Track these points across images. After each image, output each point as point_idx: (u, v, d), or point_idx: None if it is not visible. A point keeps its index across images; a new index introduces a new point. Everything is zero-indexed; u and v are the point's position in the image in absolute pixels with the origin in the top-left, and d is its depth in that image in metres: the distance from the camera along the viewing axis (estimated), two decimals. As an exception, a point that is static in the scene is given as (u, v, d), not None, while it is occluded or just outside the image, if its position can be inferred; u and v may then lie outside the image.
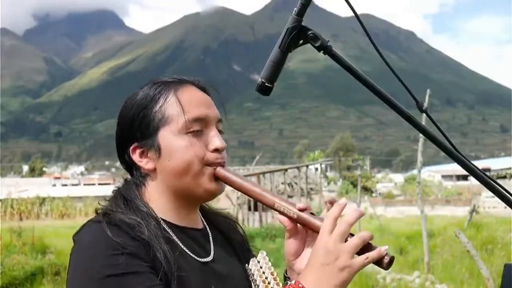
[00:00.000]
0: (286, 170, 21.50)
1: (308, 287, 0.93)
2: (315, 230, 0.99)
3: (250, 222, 16.95)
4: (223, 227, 1.20)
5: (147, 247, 0.95)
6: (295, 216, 1.01)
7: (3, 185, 28.68)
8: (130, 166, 1.09)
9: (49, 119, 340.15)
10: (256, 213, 17.15)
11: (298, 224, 1.04)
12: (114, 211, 1.00)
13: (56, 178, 61.15)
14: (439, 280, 7.41)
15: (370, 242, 0.95)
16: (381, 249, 0.93)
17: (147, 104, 1.05)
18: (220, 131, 1.10)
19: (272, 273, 1.13)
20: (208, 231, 1.15)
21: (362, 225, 12.26)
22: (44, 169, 79.43)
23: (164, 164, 1.04)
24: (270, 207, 1.03)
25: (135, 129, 1.05)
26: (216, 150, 1.06)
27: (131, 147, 1.06)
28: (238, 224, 1.26)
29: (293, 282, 0.96)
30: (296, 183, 22.30)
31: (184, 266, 0.99)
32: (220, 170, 1.06)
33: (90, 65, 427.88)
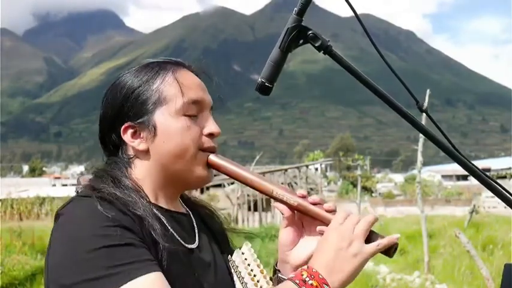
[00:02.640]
0: (286, 170, 21.48)
1: (322, 272, 0.91)
2: (318, 218, 0.98)
3: (250, 222, 16.93)
4: (204, 215, 1.18)
5: (141, 223, 0.92)
6: (296, 203, 0.99)
7: (3, 185, 28.64)
8: (116, 147, 1.04)
9: (49, 119, 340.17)
10: (256, 213, 17.13)
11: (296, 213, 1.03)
12: (104, 188, 0.95)
13: (56, 178, 61.15)
14: (439, 280, 7.40)
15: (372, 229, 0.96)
16: (392, 237, 0.94)
17: (142, 83, 1.02)
18: None
19: (258, 265, 1.10)
20: (192, 217, 1.12)
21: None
22: (44, 169, 79.35)
23: (159, 145, 1.01)
24: (269, 195, 1.01)
25: (128, 108, 1.01)
26: (211, 134, 1.04)
27: (123, 127, 1.01)
28: (217, 214, 1.22)
29: (305, 267, 0.93)
30: (296, 183, 22.25)
31: (172, 249, 0.96)
32: (213, 158, 1.04)
33: (90, 65, 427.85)
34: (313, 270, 0.92)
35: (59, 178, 62.72)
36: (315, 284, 0.90)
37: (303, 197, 1.00)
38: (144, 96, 1.01)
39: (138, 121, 1.01)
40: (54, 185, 44.59)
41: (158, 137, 1.00)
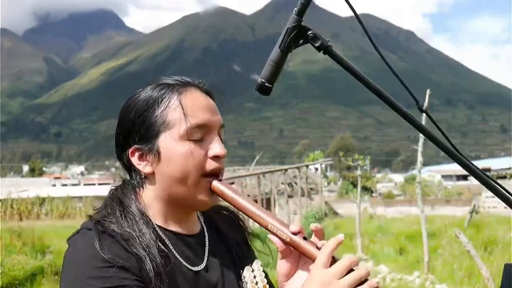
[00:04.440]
0: (286, 170, 21.48)
1: None
2: (307, 256, 0.98)
3: (250, 222, 16.90)
4: (222, 225, 1.17)
5: (139, 260, 0.94)
6: (288, 239, 0.99)
7: (3, 185, 28.64)
8: (129, 167, 1.06)
9: (49, 119, 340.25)
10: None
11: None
12: (108, 220, 0.98)
13: (56, 178, 61.16)
14: (439, 280, 7.40)
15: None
16: (372, 282, 0.92)
17: (149, 107, 1.02)
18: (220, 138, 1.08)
19: (264, 286, 1.11)
20: (205, 233, 1.12)
21: (362, 225, 12.23)
22: (44, 169, 79.35)
23: (162, 170, 1.02)
24: (264, 227, 1.02)
25: (135, 131, 1.02)
26: (216, 157, 1.03)
27: (130, 150, 1.03)
28: (241, 220, 1.22)
29: None
30: (296, 183, 22.25)
31: (177, 278, 0.99)
32: (216, 184, 1.03)
33: (90, 65, 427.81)
34: None
35: (59, 178, 62.77)
36: None
37: (297, 233, 0.99)
38: (150, 121, 1.02)
39: (144, 145, 1.02)
40: (54, 185, 44.59)
41: (162, 161, 1.01)
